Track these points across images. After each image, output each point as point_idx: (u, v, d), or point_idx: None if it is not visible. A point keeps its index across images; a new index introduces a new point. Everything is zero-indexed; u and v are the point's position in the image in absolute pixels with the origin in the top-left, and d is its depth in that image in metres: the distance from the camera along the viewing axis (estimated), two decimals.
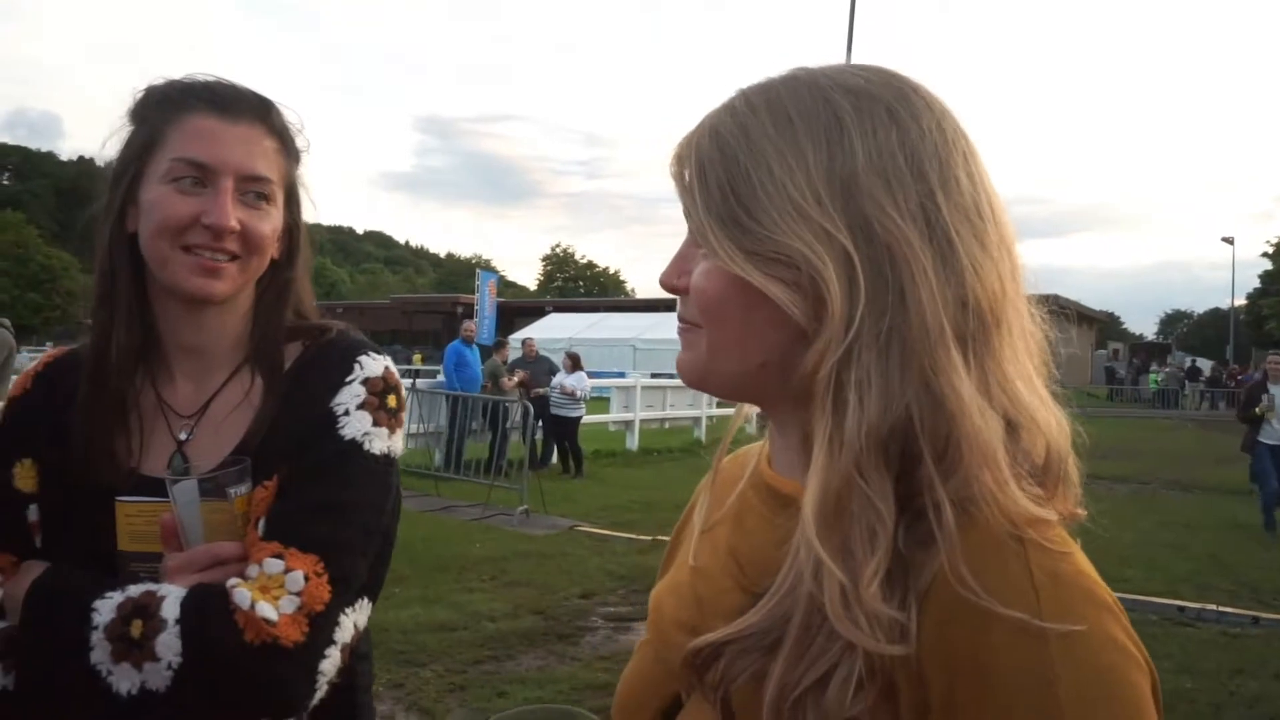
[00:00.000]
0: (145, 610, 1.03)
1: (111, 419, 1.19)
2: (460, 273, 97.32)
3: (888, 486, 0.68)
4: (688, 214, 0.77)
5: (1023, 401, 0.72)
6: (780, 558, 0.74)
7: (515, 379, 12.41)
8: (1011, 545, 0.67)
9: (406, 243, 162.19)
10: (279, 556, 1.08)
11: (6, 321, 7.84)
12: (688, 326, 0.81)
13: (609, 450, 14.89)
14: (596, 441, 14.80)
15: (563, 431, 12.79)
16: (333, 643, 1.10)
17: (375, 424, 1.19)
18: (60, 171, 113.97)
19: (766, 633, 0.71)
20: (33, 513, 1.20)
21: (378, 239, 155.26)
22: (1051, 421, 0.74)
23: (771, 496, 0.84)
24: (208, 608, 1.03)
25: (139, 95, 1.21)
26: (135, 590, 1.05)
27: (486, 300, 28.70)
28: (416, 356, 41.71)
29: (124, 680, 1.01)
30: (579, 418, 12.89)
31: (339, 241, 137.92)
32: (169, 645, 1.01)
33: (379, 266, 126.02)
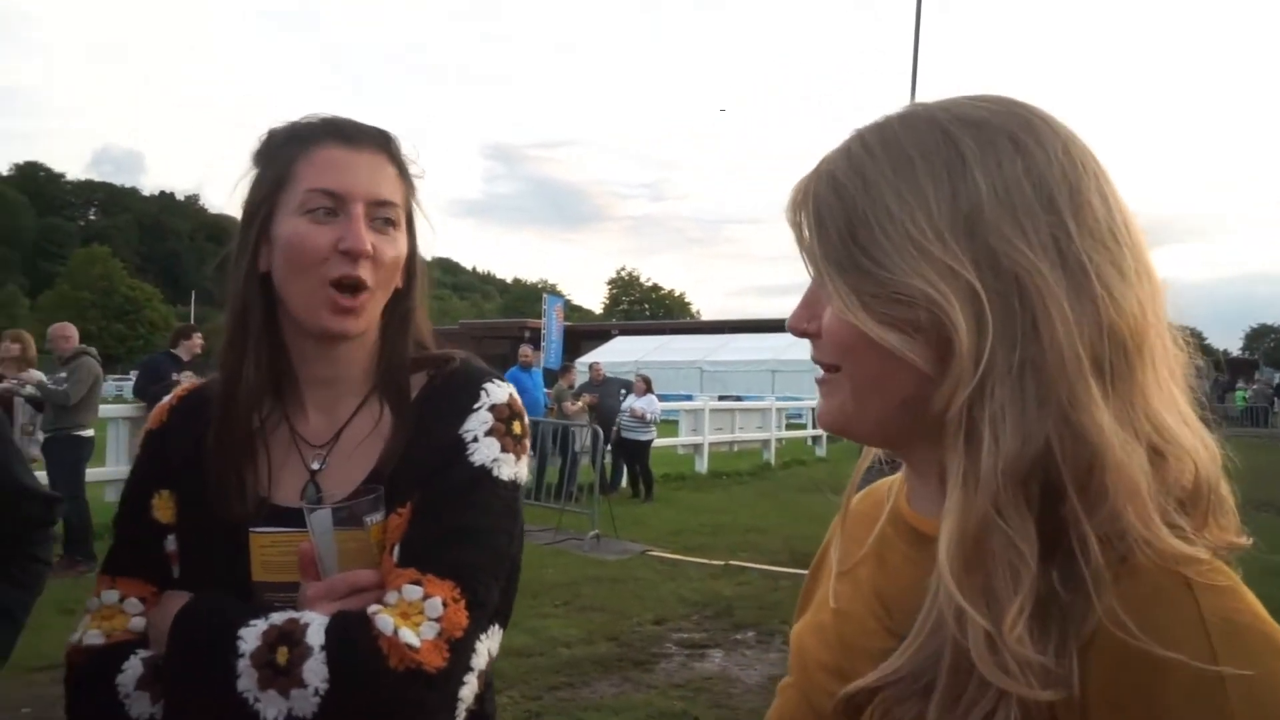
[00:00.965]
0: (290, 637, 1.04)
1: (243, 453, 1.22)
2: (527, 297, 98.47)
3: (1029, 525, 0.65)
4: (809, 260, 0.77)
5: (1168, 429, 0.69)
6: (922, 603, 0.71)
7: (581, 403, 12.41)
8: (1178, 588, 0.64)
9: (473, 268, 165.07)
10: (417, 583, 1.08)
11: (93, 350, 8.09)
12: (827, 371, 0.80)
13: (678, 473, 14.81)
14: (665, 465, 14.73)
15: (634, 455, 12.74)
16: (470, 669, 1.11)
17: (503, 450, 1.20)
18: (142, 206, 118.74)
19: (917, 676, 0.68)
20: (170, 543, 1.22)
21: (445, 265, 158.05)
22: (1200, 448, 0.70)
23: (914, 536, 0.82)
24: (352, 634, 1.04)
25: (262, 139, 1.25)
26: (279, 618, 1.06)
27: (553, 324, 28.94)
28: None
29: (271, 707, 1.01)
30: (650, 441, 12.83)
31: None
32: (315, 671, 1.01)
33: (447, 292, 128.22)
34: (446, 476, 1.16)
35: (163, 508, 1.23)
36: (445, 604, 1.07)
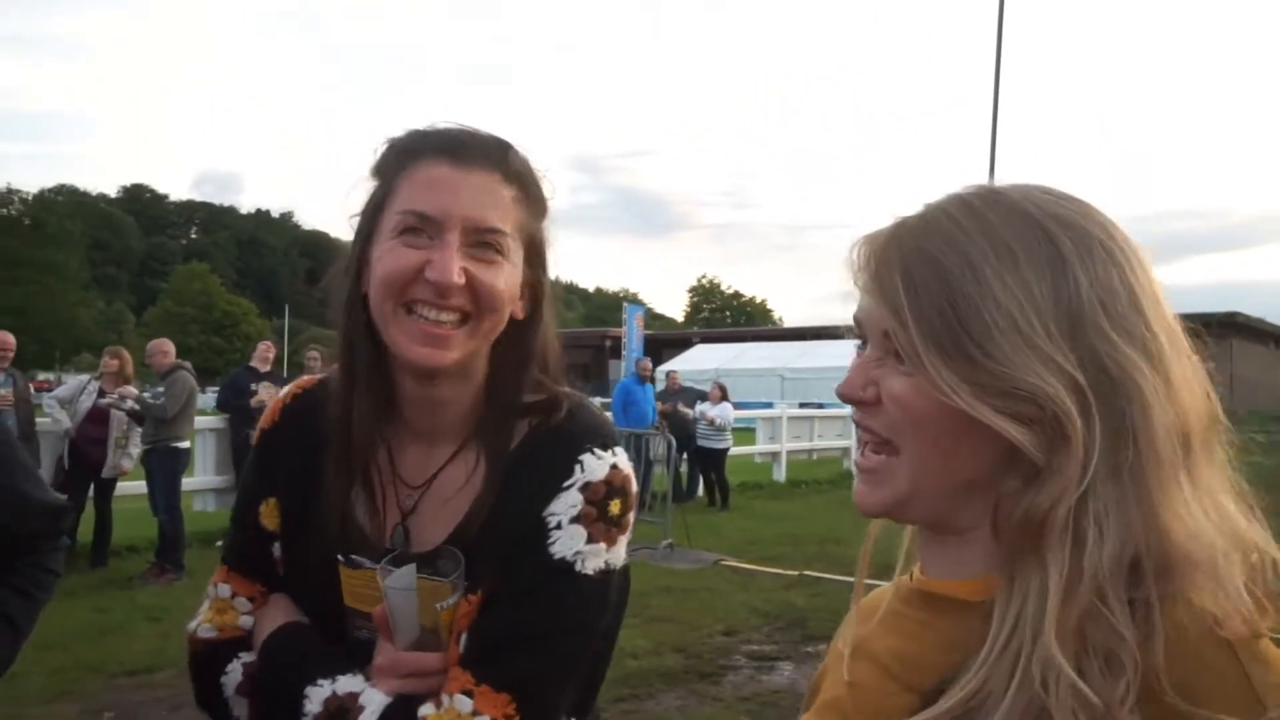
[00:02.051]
0: (347, 714, 1.03)
1: (348, 484, 1.15)
2: (609, 306, 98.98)
3: (1128, 611, 0.67)
4: (893, 335, 0.75)
5: (1234, 520, 0.72)
6: (947, 659, 0.74)
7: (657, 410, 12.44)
8: (1225, 652, 0.67)
9: (556, 278, 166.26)
10: (469, 693, 1.02)
11: (188, 365, 8.44)
12: (879, 446, 0.79)
13: (755, 482, 14.71)
14: (743, 473, 14.64)
15: (709, 463, 12.71)
16: None
17: (590, 540, 1.07)
18: (240, 224, 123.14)
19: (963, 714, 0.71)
20: (277, 549, 1.22)
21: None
22: (1260, 537, 0.73)
23: (929, 601, 0.84)
24: None
25: (380, 149, 1.14)
26: (343, 687, 1.06)
27: (634, 333, 29.01)
28: None
29: None
30: (726, 449, 12.78)
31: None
32: None
33: None
34: (522, 569, 1.06)
35: (269, 515, 1.21)
36: None
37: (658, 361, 31.37)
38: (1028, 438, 0.70)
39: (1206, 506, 0.71)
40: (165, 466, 7.88)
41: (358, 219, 1.13)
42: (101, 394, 7.93)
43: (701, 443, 12.57)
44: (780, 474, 15.56)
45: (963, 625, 0.75)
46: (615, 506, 1.10)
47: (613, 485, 1.10)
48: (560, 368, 1.21)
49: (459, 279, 1.04)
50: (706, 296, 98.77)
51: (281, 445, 1.23)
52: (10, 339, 7.76)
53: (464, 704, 1.01)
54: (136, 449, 8.00)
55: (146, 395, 7.91)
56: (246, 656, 1.15)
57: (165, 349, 8.31)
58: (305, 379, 1.30)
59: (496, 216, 1.08)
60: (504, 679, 1.02)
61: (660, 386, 14.06)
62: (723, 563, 8.78)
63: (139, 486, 8.16)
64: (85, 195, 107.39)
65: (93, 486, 7.88)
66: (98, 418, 7.84)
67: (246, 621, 1.19)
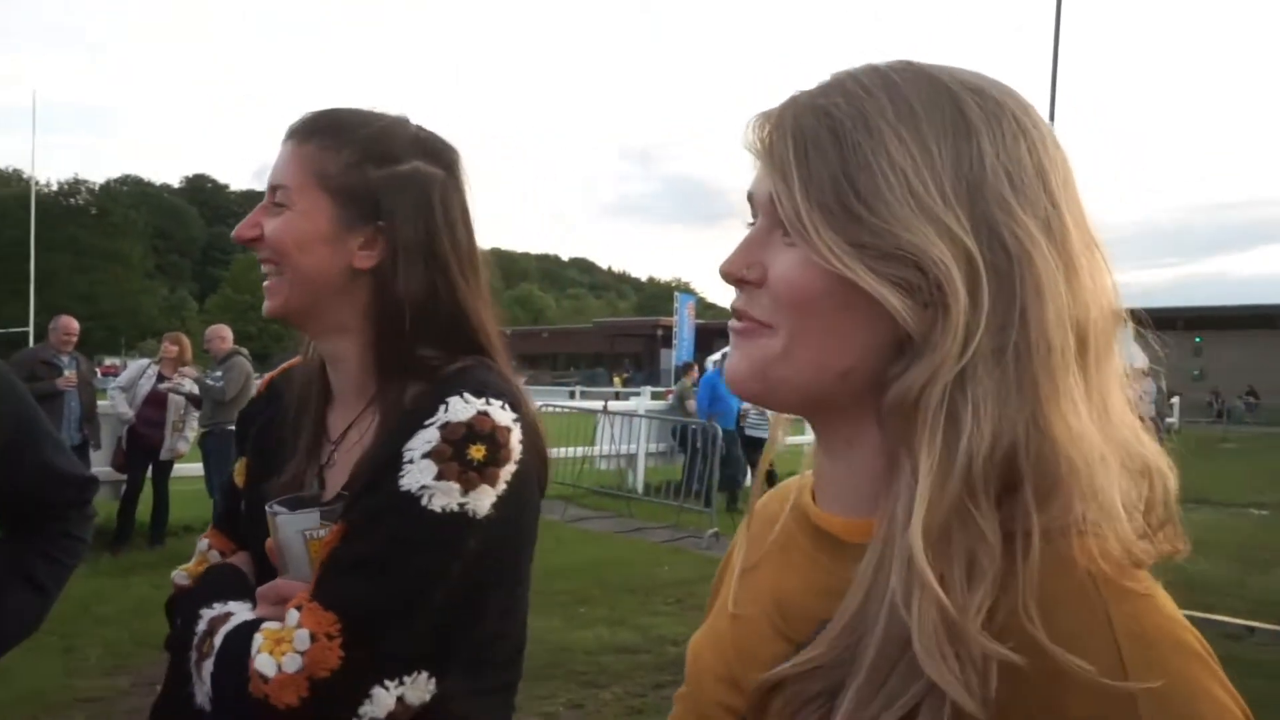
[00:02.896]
0: (213, 632, 1.07)
1: (288, 434, 1.27)
2: (661, 296, 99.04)
3: (995, 515, 0.63)
4: (776, 199, 0.69)
5: (1123, 431, 0.67)
6: (825, 606, 0.69)
7: None
8: (1089, 590, 0.61)
9: (609, 268, 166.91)
10: (299, 608, 1.04)
11: (245, 350, 8.61)
12: (753, 326, 0.73)
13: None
14: (791, 463, 14.50)
15: (756, 452, 12.62)
16: (357, 717, 1.00)
17: (439, 477, 1.06)
18: None
19: (832, 667, 0.65)
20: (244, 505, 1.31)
21: (581, 265, 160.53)
22: (1158, 457, 0.68)
23: (817, 535, 0.77)
24: (235, 647, 1.04)
25: None
26: (220, 608, 1.11)
27: (685, 322, 28.98)
28: (618, 379, 42.71)
29: (199, 691, 1.06)
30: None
31: (545, 269, 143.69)
32: (208, 672, 1.05)
33: (582, 291, 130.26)
34: (367, 498, 1.08)
35: (240, 473, 1.33)
36: (314, 638, 1.00)
37: (708, 351, 31.29)
38: (906, 307, 0.65)
39: (1095, 410, 0.66)
40: (222, 449, 8.05)
41: None
42: (161, 378, 8.14)
43: (750, 432, 12.50)
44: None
45: (845, 570, 0.69)
46: (477, 452, 1.08)
47: (476, 429, 1.08)
48: (496, 336, 1.25)
49: (247, 232, 1.20)
50: None
51: (257, 411, 1.37)
52: (74, 324, 8.00)
53: (292, 618, 1.04)
54: (193, 432, 8.19)
55: (205, 379, 8.10)
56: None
57: (223, 335, 8.49)
58: (292, 360, 1.41)
59: (279, 175, 1.19)
60: (332, 598, 1.03)
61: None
62: None
63: (196, 468, 8.37)
64: (149, 185, 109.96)
65: (150, 467, 8.09)
66: (156, 401, 8.05)
67: None
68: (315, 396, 1.28)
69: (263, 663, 1.00)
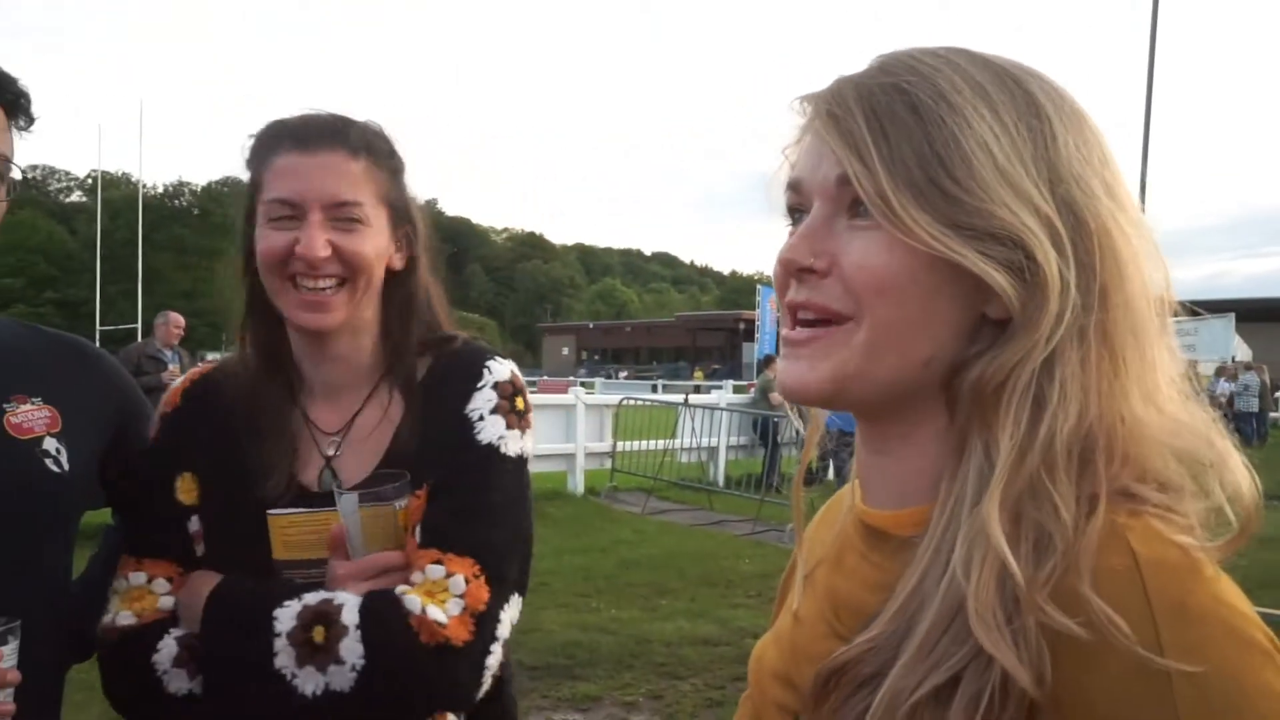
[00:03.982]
0: (326, 617, 1.11)
1: (270, 439, 1.27)
2: (743, 289, 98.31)
3: (1072, 491, 0.62)
4: (855, 179, 0.65)
5: (1196, 415, 0.66)
6: (876, 601, 0.69)
7: None
8: (1130, 565, 0.59)
9: (691, 262, 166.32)
10: (439, 563, 1.15)
11: None
12: (819, 333, 0.69)
13: None
14: None
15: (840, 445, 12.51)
16: (495, 639, 1.17)
17: (508, 427, 1.25)
18: None
19: (886, 647, 0.65)
20: (194, 523, 1.27)
21: (664, 259, 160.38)
22: (1226, 443, 0.66)
23: (866, 532, 0.77)
24: (385, 614, 1.11)
25: (248, 142, 1.30)
26: (312, 598, 1.14)
27: (768, 316, 28.74)
28: (698, 373, 42.59)
29: (309, 682, 1.10)
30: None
31: (628, 263, 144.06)
32: (352, 649, 1.10)
33: (665, 286, 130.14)
34: (458, 457, 1.22)
35: (185, 490, 1.28)
36: (467, 580, 1.14)
37: None
38: (1012, 287, 0.63)
39: (1170, 391, 0.65)
40: None
41: (242, 209, 1.29)
42: None
43: (831, 426, 12.38)
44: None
45: (894, 565, 0.68)
46: (520, 403, 1.29)
47: (515, 385, 1.30)
48: (446, 315, 1.37)
49: (324, 252, 1.20)
50: None
51: (189, 424, 1.32)
52: (181, 319, 8.37)
53: (437, 571, 1.15)
54: None
55: None
56: (177, 631, 1.19)
57: None
58: (200, 367, 1.43)
59: (348, 190, 1.22)
60: (465, 546, 1.17)
61: None
62: None
63: None
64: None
65: None
66: None
67: (167, 602, 1.22)
68: (282, 396, 1.30)
69: (434, 612, 1.11)
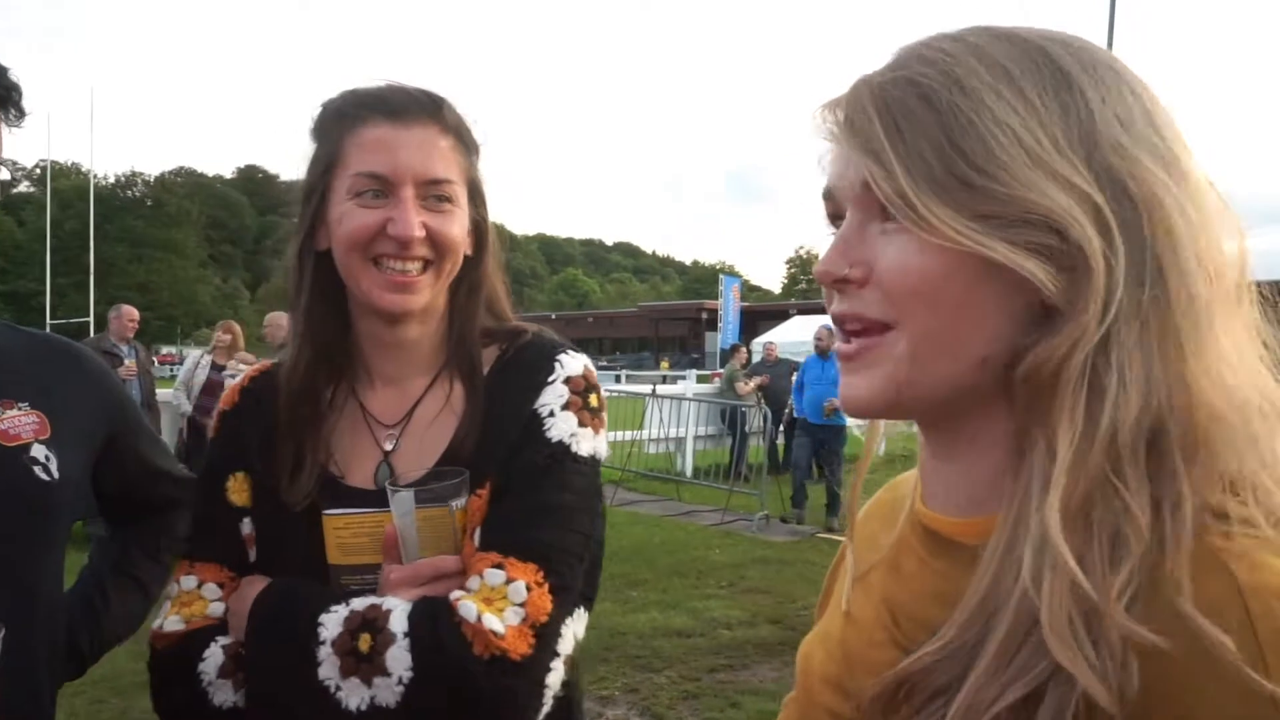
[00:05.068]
0: (373, 624, 1.02)
1: (313, 432, 1.19)
2: (705, 279, 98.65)
3: (1145, 487, 0.58)
4: (873, 182, 0.63)
5: (1269, 388, 0.61)
6: (938, 612, 0.65)
7: (752, 383, 12.35)
8: (1232, 604, 0.54)
9: (653, 251, 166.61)
10: (499, 567, 1.05)
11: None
12: (867, 345, 0.66)
13: (854, 454, 14.50)
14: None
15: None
16: (557, 654, 1.06)
17: (580, 424, 1.16)
18: None
19: (958, 657, 0.61)
20: (246, 526, 1.21)
21: (626, 249, 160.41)
22: None
23: (929, 538, 0.73)
24: (437, 622, 1.01)
25: (317, 112, 1.22)
26: (360, 604, 1.04)
27: (730, 305, 28.91)
28: (664, 363, 42.73)
29: (354, 695, 1.00)
30: (845, 423, 12.62)
31: (590, 253, 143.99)
32: (399, 660, 0.99)
33: (627, 276, 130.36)
34: (524, 455, 1.13)
35: (237, 490, 1.22)
36: (529, 588, 1.04)
37: (754, 334, 31.19)
38: (1049, 275, 0.59)
39: (1243, 359, 0.61)
40: None
41: (305, 181, 1.20)
42: (215, 367, 8.28)
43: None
44: (881, 447, 15.28)
45: (961, 576, 0.64)
46: (594, 400, 1.19)
47: (589, 381, 1.20)
48: (509, 306, 1.31)
49: (419, 232, 1.13)
50: (804, 268, 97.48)
51: (245, 421, 1.26)
52: (135, 312, 8.18)
53: (496, 577, 1.04)
54: None
55: None
56: (224, 639, 1.12)
57: (281, 323, 8.58)
58: (260, 364, 1.35)
59: (442, 168, 1.16)
60: (529, 550, 1.07)
61: (759, 358, 13.96)
62: (820, 535, 8.71)
63: None
64: (202, 176, 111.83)
65: None
66: (214, 390, 8.19)
67: (217, 609, 1.15)
68: (339, 386, 1.23)
69: (490, 621, 1.01)
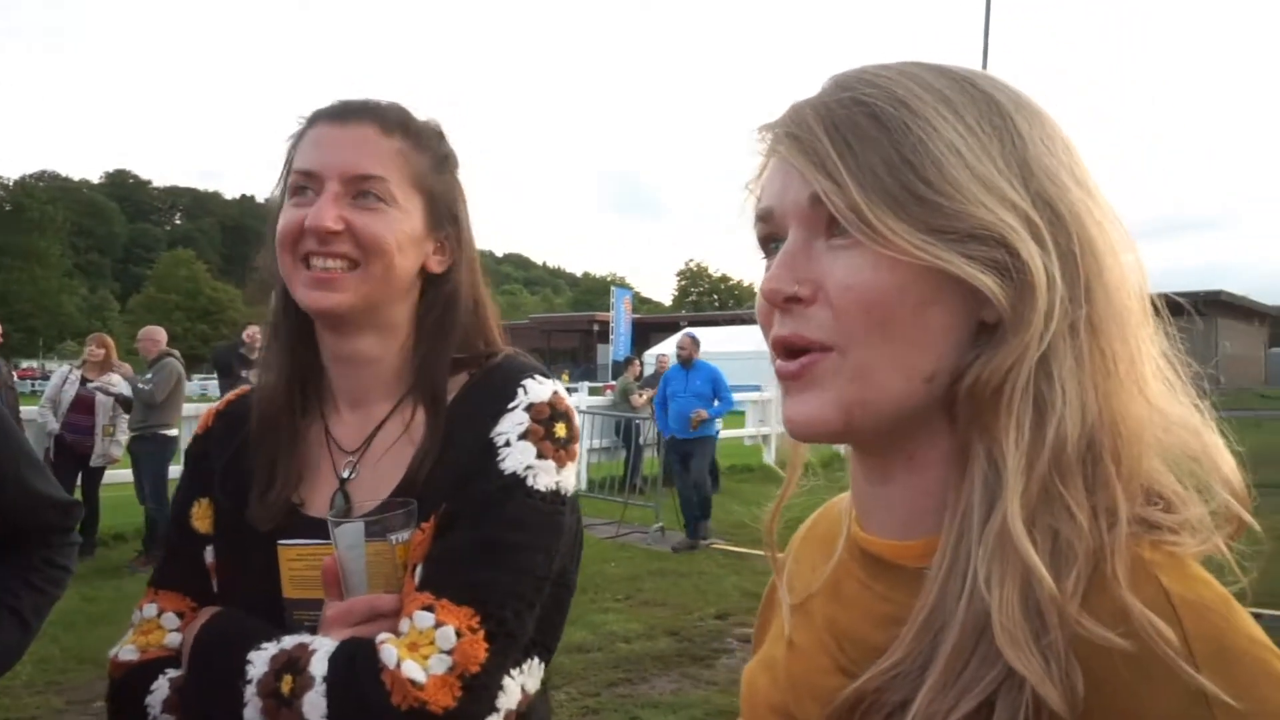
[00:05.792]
0: (296, 665, 0.97)
1: (276, 456, 1.15)
2: (596, 290, 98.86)
3: (1085, 499, 0.60)
4: (825, 197, 0.63)
5: (1187, 408, 0.66)
6: (882, 635, 0.66)
7: (646, 395, 12.41)
8: (1161, 602, 0.57)
9: (544, 263, 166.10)
10: (429, 609, 0.98)
11: (176, 352, 8.37)
12: (811, 361, 0.65)
13: (745, 465, 14.72)
14: (732, 456, 14.65)
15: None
16: (495, 710, 1.00)
17: (539, 456, 1.08)
18: (225, 210, 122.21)
19: (911, 672, 0.62)
20: (209, 554, 1.17)
21: (516, 260, 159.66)
22: (1214, 434, 0.65)
23: (869, 562, 0.73)
24: (356, 666, 0.96)
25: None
26: (290, 642, 1.00)
27: (622, 317, 28.99)
28: (564, 375, 42.59)
29: None
30: (715, 432, 12.76)
31: (481, 264, 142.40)
32: (315, 705, 0.94)
33: (518, 287, 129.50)
34: (472, 486, 1.06)
35: (201, 517, 1.18)
36: (459, 634, 0.97)
37: (646, 345, 31.40)
38: (1001, 289, 0.62)
39: (1159, 382, 0.65)
40: (154, 454, 7.82)
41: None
42: (84, 382, 7.86)
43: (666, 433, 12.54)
44: (770, 457, 15.56)
45: (903, 598, 0.66)
46: (561, 430, 1.11)
47: (556, 409, 1.12)
48: (502, 333, 1.24)
49: (334, 225, 1.07)
50: (695, 280, 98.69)
51: (214, 447, 1.22)
52: None
53: (425, 620, 0.97)
54: (125, 436, 7.93)
55: (136, 382, 7.86)
56: (174, 672, 1.08)
57: (156, 337, 8.25)
58: (240, 389, 1.31)
59: (374, 164, 1.10)
60: (464, 592, 0.99)
61: (650, 370, 14.05)
62: (713, 545, 8.78)
63: (125, 474, 8.10)
64: (68, 181, 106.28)
65: (80, 475, 7.81)
66: (83, 406, 7.77)
67: (174, 639, 1.11)
68: (304, 410, 1.18)
69: (410, 669, 0.94)
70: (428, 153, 1.17)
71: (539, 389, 1.13)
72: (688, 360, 9.16)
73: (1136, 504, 0.62)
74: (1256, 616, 0.59)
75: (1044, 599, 0.57)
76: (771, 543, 0.86)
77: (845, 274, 0.64)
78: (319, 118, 1.14)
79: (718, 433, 12.70)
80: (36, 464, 1.42)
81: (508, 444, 1.08)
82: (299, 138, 1.15)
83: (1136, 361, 0.64)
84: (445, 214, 1.18)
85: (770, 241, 0.71)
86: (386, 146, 1.12)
